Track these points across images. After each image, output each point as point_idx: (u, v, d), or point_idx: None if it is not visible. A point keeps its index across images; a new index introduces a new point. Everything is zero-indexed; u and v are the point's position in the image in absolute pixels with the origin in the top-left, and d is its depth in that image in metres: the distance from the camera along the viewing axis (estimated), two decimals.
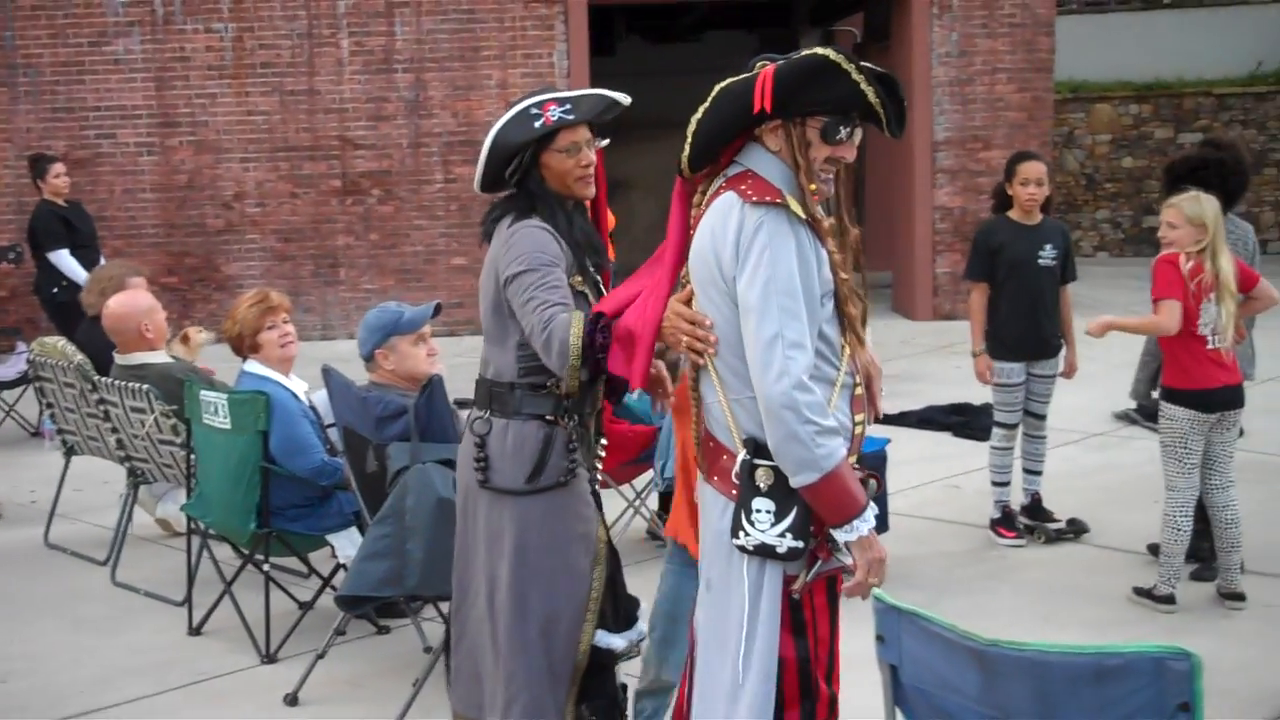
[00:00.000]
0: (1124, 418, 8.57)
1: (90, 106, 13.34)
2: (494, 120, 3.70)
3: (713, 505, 3.12)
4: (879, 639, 2.70)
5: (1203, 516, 5.73)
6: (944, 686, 2.59)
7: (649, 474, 6.46)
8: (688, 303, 3.15)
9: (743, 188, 3.02)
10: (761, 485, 2.96)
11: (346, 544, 5.34)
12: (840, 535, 2.94)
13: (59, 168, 10.07)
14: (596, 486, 3.77)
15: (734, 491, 3.02)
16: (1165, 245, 5.60)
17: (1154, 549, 5.90)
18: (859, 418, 3.09)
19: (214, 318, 11.85)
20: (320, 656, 4.92)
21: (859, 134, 3.09)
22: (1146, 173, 18.04)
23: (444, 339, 9.97)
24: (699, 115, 3.08)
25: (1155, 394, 6.06)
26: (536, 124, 3.58)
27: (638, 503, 6.61)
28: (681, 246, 3.20)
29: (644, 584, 5.90)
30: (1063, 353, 6.54)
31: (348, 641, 5.26)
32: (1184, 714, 2.32)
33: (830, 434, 2.88)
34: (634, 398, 6.48)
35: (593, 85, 14.02)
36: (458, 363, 6.70)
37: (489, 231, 3.69)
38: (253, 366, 5.48)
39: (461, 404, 5.34)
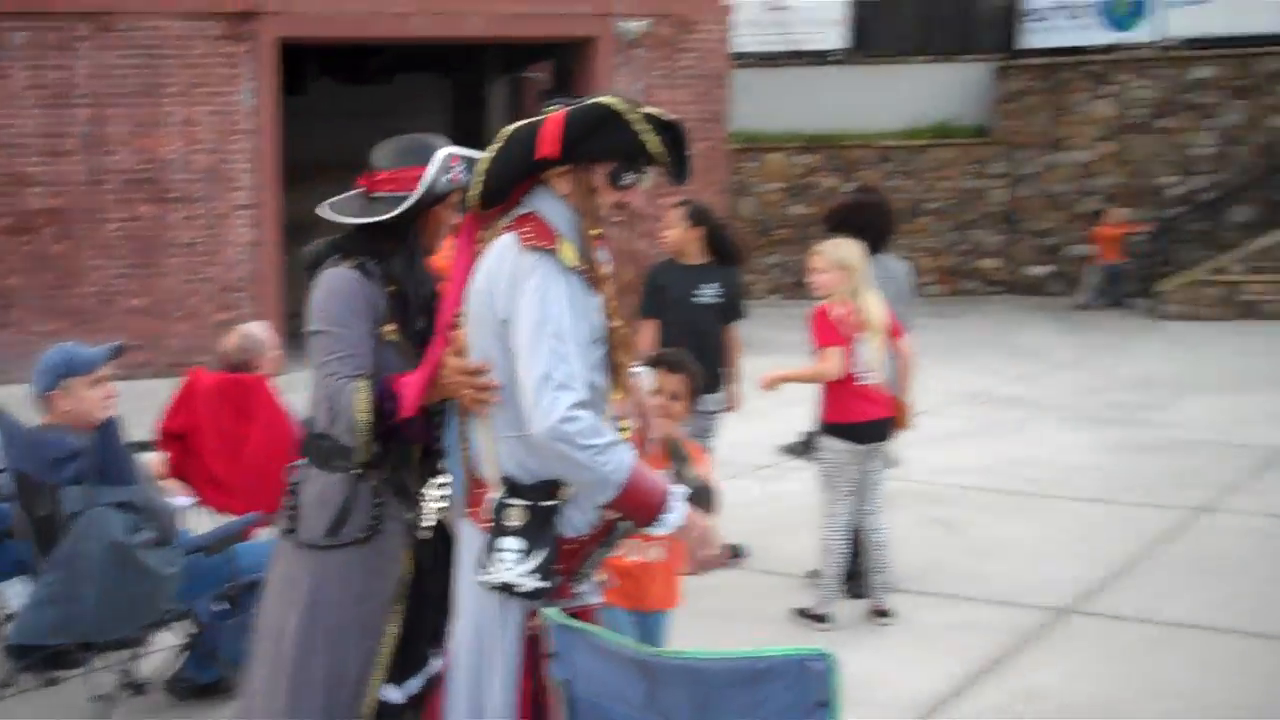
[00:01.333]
0: (788, 451, 9.02)
1: None
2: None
3: (471, 539, 3.21)
4: (553, 655, 2.86)
5: (857, 540, 6.14)
6: (614, 697, 2.77)
7: None
8: (459, 353, 3.20)
9: (524, 230, 3.10)
10: (512, 524, 3.07)
11: (14, 593, 5.18)
12: (658, 529, 3.09)
13: None
14: (420, 535, 3.58)
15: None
16: (816, 289, 5.98)
17: (814, 573, 6.27)
18: None
19: None
20: None
21: (648, 179, 3.19)
22: (814, 219, 18.99)
23: (122, 382, 9.70)
24: (489, 155, 3.14)
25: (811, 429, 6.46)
26: (446, 177, 3.54)
27: None
28: (464, 282, 3.22)
29: None
30: (726, 388, 6.86)
31: (16, 694, 5.10)
32: (821, 709, 2.55)
33: (609, 449, 2.99)
34: None
35: (285, 124, 13.94)
36: (139, 406, 6.59)
37: (310, 271, 3.63)
38: None
39: (141, 446, 5.29)
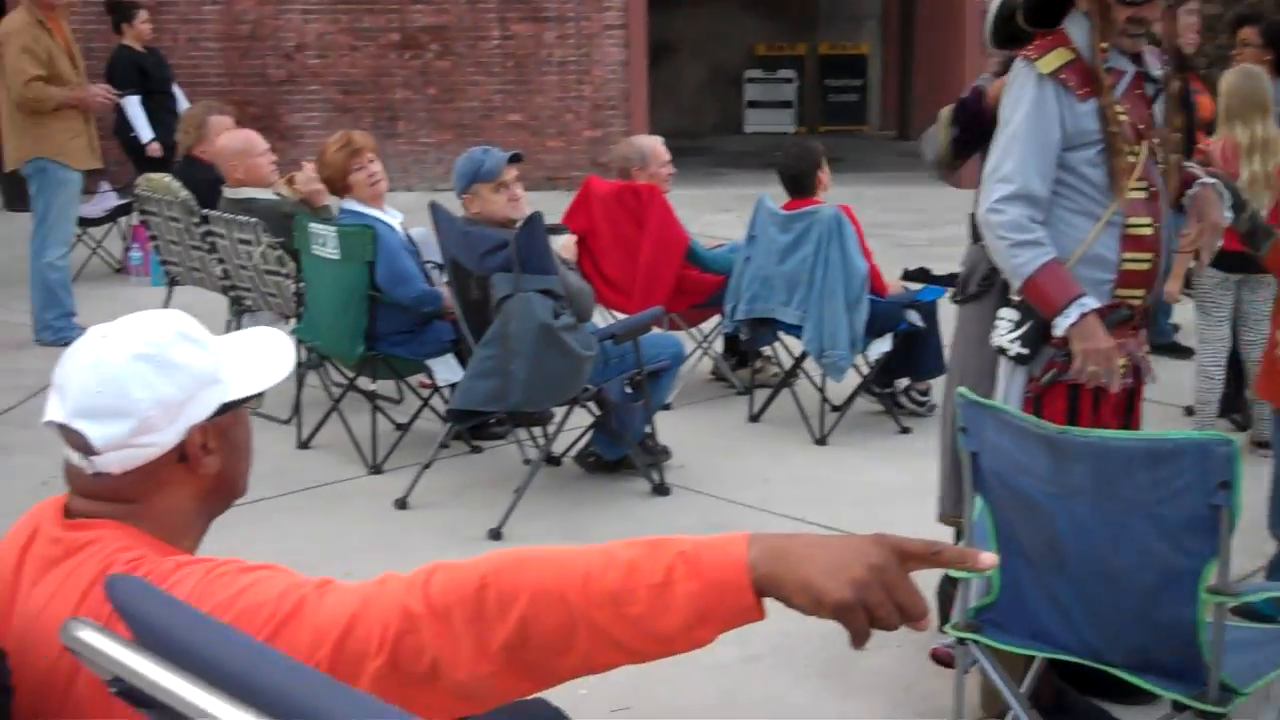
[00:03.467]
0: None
1: None
2: None
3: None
4: (962, 430, 3.13)
5: (1236, 368, 6.12)
6: (1017, 469, 3.04)
7: (717, 318, 6.89)
8: None
9: (1037, 37, 3.58)
10: (1013, 298, 3.57)
11: (444, 369, 5.79)
12: (1057, 328, 3.48)
13: (145, 14, 10.34)
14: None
15: None
16: None
17: (1189, 409, 6.26)
18: (1134, 255, 3.54)
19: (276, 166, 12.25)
20: (426, 467, 5.40)
21: None
22: None
23: (544, 192, 10.45)
24: None
25: None
26: None
27: (705, 344, 7.04)
28: None
29: (704, 417, 6.37)
30: None
31: (449, 457, 5.76)
32: (1223, 491, 2.75)
33: (1024, 246, 3.47)
34: (723, 250, 6.89)
35: None
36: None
37: None
38: (350, 204, 5.86)
39: (553, 230, 5.76)
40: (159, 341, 1.85)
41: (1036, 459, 2.99)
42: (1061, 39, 3.54)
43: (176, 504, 1.89)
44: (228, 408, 1.91)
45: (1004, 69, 3.83)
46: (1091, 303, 3.47)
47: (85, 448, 1.82)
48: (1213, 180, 3.75)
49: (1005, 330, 3.59)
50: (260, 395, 1.98)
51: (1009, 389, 3.62)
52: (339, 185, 5.83)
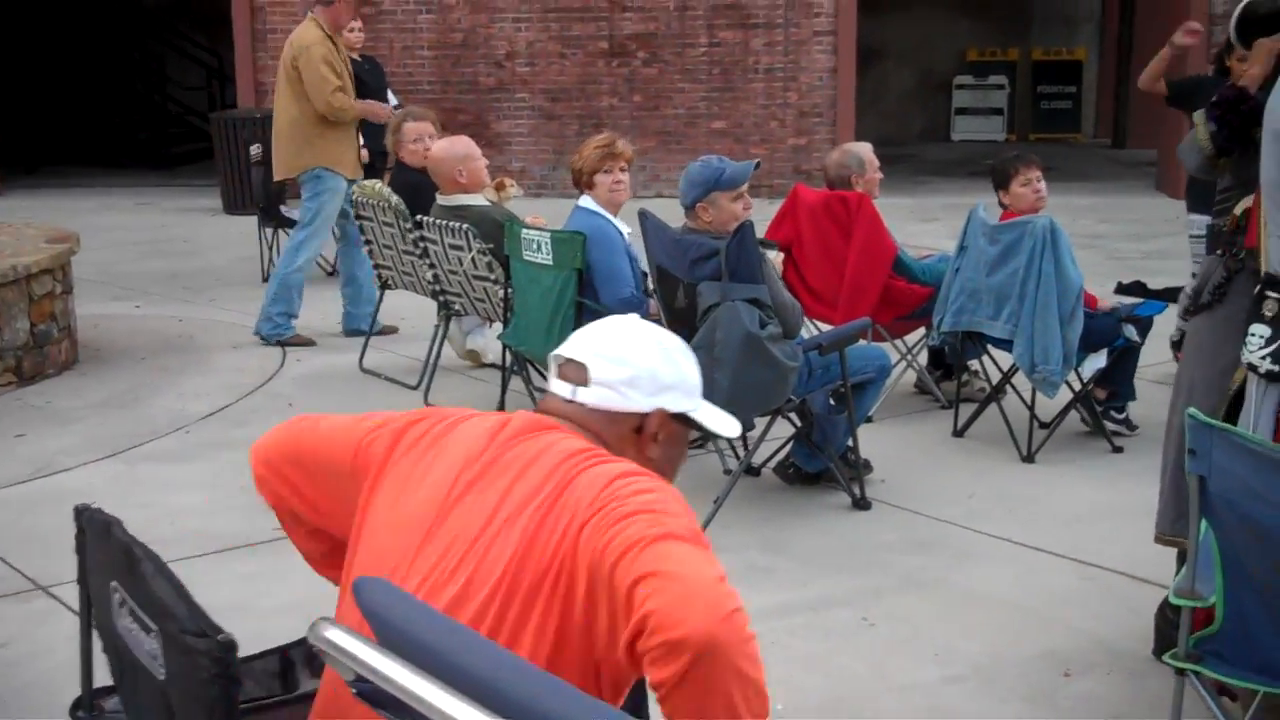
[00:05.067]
0: None
1: None
2: None
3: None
4: (1190, 453, 3.00)
5: None
6: (1251, 496, 2.90)
7: (922, 330, 6.78)
8: None
9: None
10: (1266, 313, 3.41)
11: None
12: None
13: (356, 23, 10.61)
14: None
15: None
16: None
17: None
18: None
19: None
20: None
21: None
22: None
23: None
24: None
25: None
26: None
27: (910, 356, 6.93)
28: None
29: (907, 431, 6.27)
30: None
31: None
32: None
33: None
34: (933, 260, 6.78)
35: None
36: None
37: None
38: (586, 202, 5.87)
39: (764, 245, 5.73)
40: (676, 344, 2.33)
41: (1272, 484, 2.85)
42: None
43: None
44: (688, 421, 2.29)
45: (1221, 68, 3.74)
46: None
47: (580, 379, 2.23)
48: None
49: (1256, 346, 3.44)
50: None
51: (1259, 408, 3.48)
52: (584, 180, 5.89)
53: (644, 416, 2.23)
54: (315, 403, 6.77)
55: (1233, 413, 3.61)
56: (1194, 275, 7.00)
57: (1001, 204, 6.23)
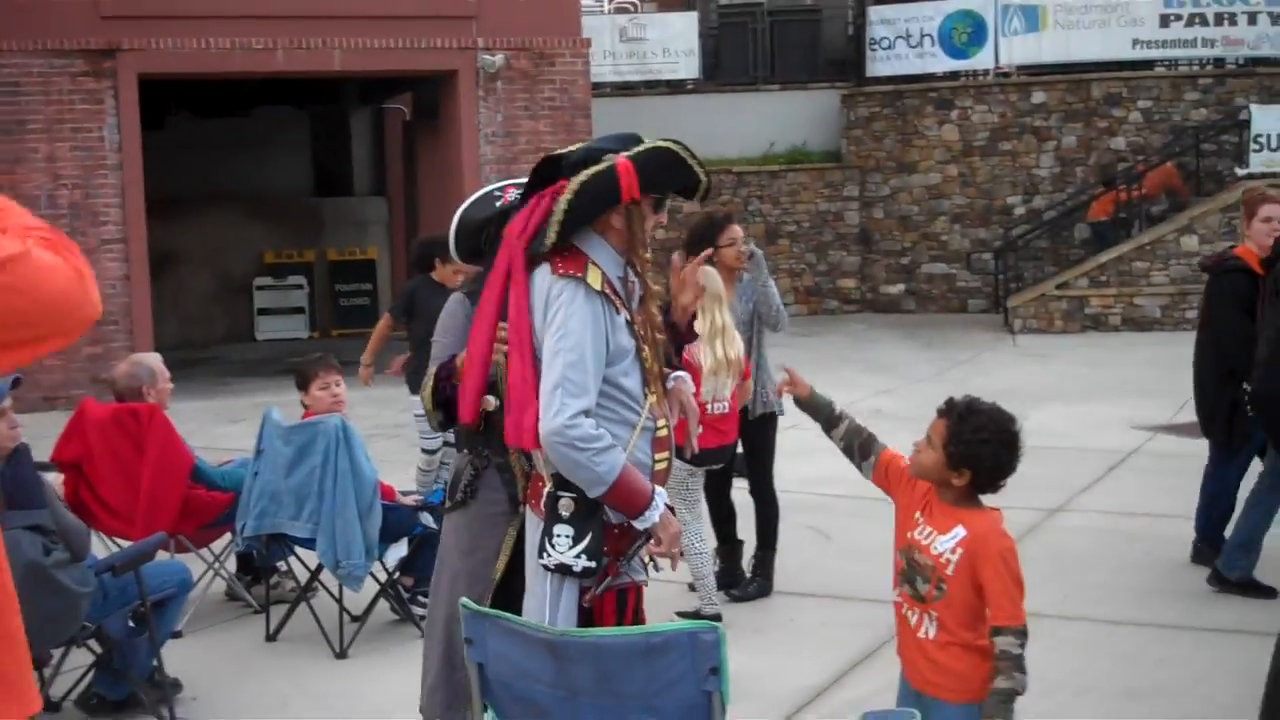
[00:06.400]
0: None
1: None
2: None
3: (533, 527, 3.69)
4: (468, 641, 3.15)
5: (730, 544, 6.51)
6: (523, 675, 3.08)
7: (228, 536, 6.67)
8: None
9: (556, 260, 3.56)
10: (563, 513, 3.51)
11: None
12: (640, 523, 3.55)
13: None
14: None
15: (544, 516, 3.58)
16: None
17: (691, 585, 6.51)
18: (659, 456, 3.69)
19: None
20: None
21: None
22: (676, 243, 19.39)
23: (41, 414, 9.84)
24: (567, 202, 3.54)
25: None
26: (496, 204, 4.06)
27: (217, 565, 6.78)
28: (500, 304, 3.68)
29: (218, 642, 6.15)
30: None
31: None
32: (714, 676, 2.89)
33: (604, 451, 3.46)
34: (233, 465, 6.71)
35: (145, 158, 14.01)
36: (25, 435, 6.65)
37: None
38: None
39: (42, 467, 5.44)
40: None
41: (542, 663, 3.04)
42: (583, 256, 3.58)
43: None
44: None
45: (476, 287, 4.04)
46: (663, 493, 3.63)
47: None
48: (680, 373, 3.99)
49: (566, 547, 3.52)
50: None
51: (558, 604, 3.59)
52: None
53: None
54: None
55: (498, 600, 3.85)
56: (424, 451, 7.83)
57: (303, 404, 6.30)
